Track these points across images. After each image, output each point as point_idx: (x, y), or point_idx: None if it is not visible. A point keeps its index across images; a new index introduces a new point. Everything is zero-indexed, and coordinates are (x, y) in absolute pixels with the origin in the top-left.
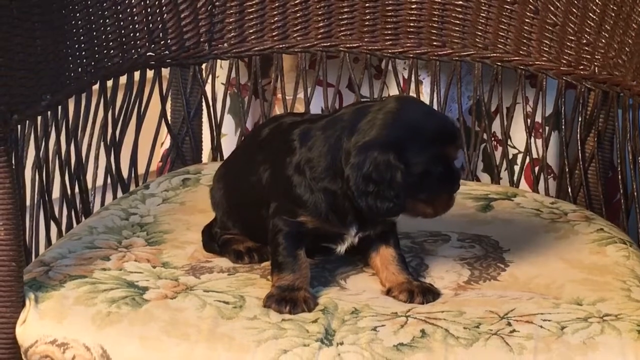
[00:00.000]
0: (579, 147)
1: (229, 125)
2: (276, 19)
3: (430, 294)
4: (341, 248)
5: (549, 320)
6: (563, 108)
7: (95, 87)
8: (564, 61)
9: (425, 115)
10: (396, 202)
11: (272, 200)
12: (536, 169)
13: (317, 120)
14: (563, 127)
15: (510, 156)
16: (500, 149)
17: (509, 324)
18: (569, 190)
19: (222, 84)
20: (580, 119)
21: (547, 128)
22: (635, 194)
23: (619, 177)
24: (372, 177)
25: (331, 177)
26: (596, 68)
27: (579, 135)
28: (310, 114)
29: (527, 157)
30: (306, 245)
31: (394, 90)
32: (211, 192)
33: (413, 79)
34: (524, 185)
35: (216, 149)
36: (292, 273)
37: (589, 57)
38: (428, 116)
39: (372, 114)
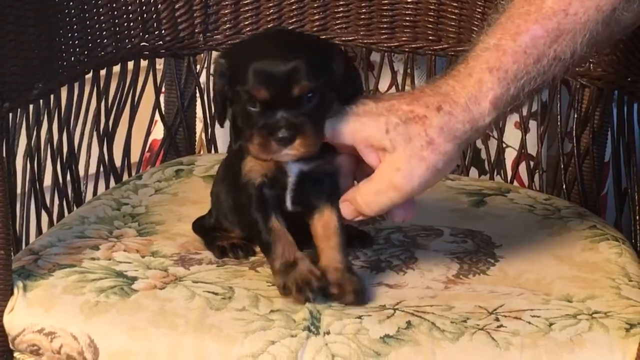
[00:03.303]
0: (575, 144)
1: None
2: (271, 11)
3: (361, 295)
4: (288, 196)
5: (538, 317)
6: (559, 104)
7: (88, 76)
8: None
9: (267, 48)
10: (219, 113)
11: None
12: (522, 164)
13: None
14: (559, 122)
15: (495, 150)
16: (487, 142)
17: (497, 320)
18: (564, 186)
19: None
20: (575, 116)
21: (535, 123)
22: (630, 190)
23: (610, 172)
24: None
25: None
26: (591, 65)
27: (574, 132)
28: None
29: (516, 152)
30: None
31: (385, 84)
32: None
33: (408, 72)
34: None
35: (210, 140)
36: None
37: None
38: (267, 50)
39: None
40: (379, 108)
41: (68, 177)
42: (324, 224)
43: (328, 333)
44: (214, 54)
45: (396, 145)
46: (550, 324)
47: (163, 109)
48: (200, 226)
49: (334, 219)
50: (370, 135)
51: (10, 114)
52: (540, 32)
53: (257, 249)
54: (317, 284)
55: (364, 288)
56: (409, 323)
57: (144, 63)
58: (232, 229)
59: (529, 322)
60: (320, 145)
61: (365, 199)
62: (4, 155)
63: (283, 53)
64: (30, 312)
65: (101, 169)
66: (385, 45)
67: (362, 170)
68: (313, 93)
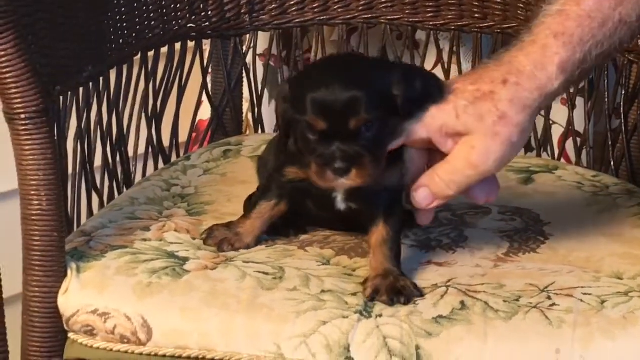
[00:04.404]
0: (622, 120)
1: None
2: None
3: (400, 295)
4: (338, 196)
5: (589, 294)
6: (606, 81)
7: (137, 58)
8: None
9: (326, 78)
10: (282, 134)
11: None
12: (569, 140)
13: None
14: (607, 99)
15: (542, 127)
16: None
17: (549, 298)
18: (612, 163)
19: (258, 55)
20: (622, 92)
21: (582, 100)
22: None
23: None
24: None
25: None
26: (639, 40)
27: (622, 108)
28: None
29: (563, 129)
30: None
31: (430, 62)
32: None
33: (454, 50)
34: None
35: (257, 121)
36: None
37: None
38: (326, 80)
39: None
40: (446, 90)
41: (118, 158)
42: (376, 237)
43: (380, 316)
44: (260, 34)
45: (469, 126)
46: (602, 302)
47: (210, 89)
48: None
49: (385, 233)
50: (442, 124)
51: (61, 97)
52: None
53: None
54: (234, 246)
55: (405, 293)
56: (462, 304)
57: (190, 44)
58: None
59: (581, 300)
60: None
61: (443, 178)
62: (56, 138)
63: (341, 83)
64: (84, 293)
65: (150, 149)
66: (430, 23)
67: (434, 163)
68: (371, 124)
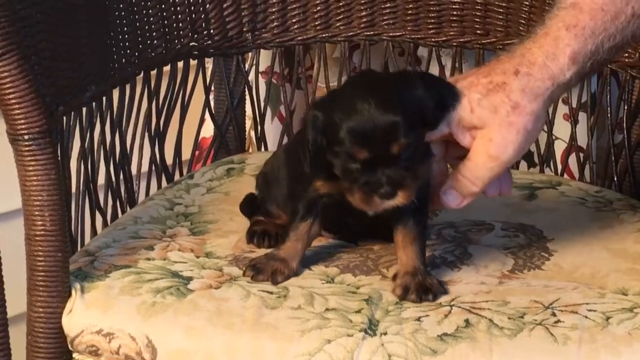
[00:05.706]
0: (625, 135)
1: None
2: (319, 7)
3: (428, 293)
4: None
5: (594, 311)
6: (608, 96)
7: (139, 77)
8: None
9: (360, 104)
10: (306, 165)
11: None
12: (572, 155)
13: None
14: (609, 114)
15: (544, 142)
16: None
17: (554, 314)
18: (615, 178)
19: (260, 73)
20: (625, 107)
21: (584, 115)
22: None
23: None
24: (303, 131)
25: None
26: None
27: (625, 124)
28: None
29: (566, 144)
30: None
31: None
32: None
33: (456, 66)
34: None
35: (260, 138)
36: (284, 244)
37: (633, 44)
38: (361, 106)
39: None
40: (459, 88)
41: (121, 177)
42: (404, 234)
43: (385, 334)
44: (262, 51)
45: (484, 119)
46: (607, 318)
47: (212, 107)
48: (248, 210)
49: (413, 230)
50: (459, 118)
51: (65, 117)
52: None
53: None
54: (284, 274)
55: (433, 290)
56: (467, 321)
57: (193, 62)
58: (279, 214)
59: (586, 317)
60: None
61: (467, 176)
62: (59, 158)
63: (375, 109)
64: (88, 313)
65: (153, 167)
66: (432, 40)
67: (452, 153)
68: (410, 145)
